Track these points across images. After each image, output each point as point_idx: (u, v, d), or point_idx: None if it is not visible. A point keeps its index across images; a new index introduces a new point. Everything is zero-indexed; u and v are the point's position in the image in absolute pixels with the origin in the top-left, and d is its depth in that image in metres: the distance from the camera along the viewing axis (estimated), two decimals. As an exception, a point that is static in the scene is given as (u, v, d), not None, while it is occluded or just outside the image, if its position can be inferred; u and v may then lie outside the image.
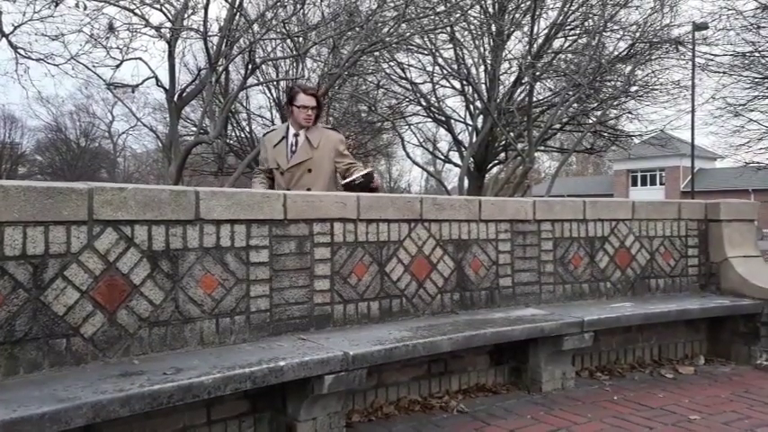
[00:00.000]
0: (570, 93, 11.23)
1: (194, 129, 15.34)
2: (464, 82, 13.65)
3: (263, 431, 2.71)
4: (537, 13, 11.57)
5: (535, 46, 11.73)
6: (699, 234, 4.50)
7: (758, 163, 23.59)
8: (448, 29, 10.98)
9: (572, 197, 4.45)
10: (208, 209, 2.65)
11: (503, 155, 16.67)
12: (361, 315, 3.18)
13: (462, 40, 12.69)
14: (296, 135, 3.87)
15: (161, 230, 2.52)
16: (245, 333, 2.77)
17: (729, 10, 13.63)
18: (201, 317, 2.64)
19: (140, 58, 7.98)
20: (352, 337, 2.90)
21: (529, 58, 10.39)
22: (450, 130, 16.39)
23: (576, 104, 12.22)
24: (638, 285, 4.25)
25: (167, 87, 7.66)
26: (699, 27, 20.12)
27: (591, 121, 14.57)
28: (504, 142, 15.36)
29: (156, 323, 2.51)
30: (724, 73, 14.51)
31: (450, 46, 12.82)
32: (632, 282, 4.23)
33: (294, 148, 3.86)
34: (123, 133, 36.75)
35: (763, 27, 13.60)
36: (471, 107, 14.49)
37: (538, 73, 11.48)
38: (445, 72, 13.23)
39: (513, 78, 13.80)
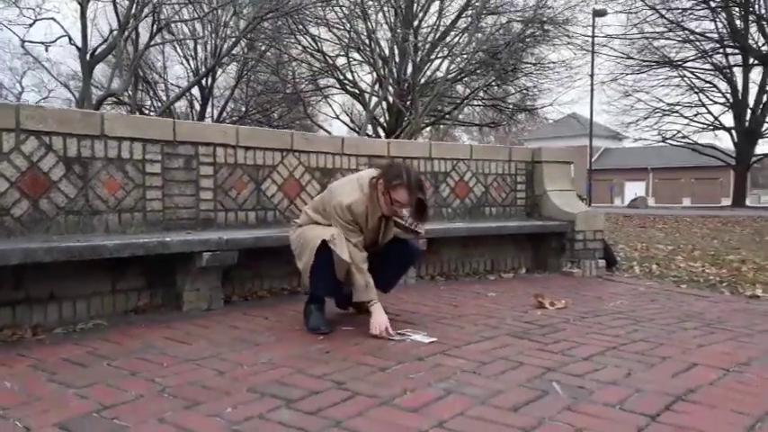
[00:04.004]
0: (459, 68, 12.33)
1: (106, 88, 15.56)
2: (372, 56, 14.61)
3: (157, 301, 3.55)
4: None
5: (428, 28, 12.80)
6: (527, 173, 5.61)
7: (644, 139, 26.02)
8: (360, 3, 11.87)
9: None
10: (111, 128, 3.43)
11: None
12: (240, 222, 4.04)
13: (375, 18, 13.66)
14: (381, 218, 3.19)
15: (74, 142, 3.29)
16: (143, 227, 3.58)
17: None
18: (107, 211, 3.43)
19: (53, 18, 8.38)
20: (231, 234, 3.75)
21: (412, 36, 11.40)
22: (363, 102, 17.33)
23: (470, 79, 13.37)
24: (474, 211, 5.31)
25: (80, 46, 8.13)
26: (598, 13, 21.85)
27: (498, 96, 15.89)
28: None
29: (71, 212, 3.28)
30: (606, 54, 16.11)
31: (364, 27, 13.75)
32: (469, 209, 5.29)
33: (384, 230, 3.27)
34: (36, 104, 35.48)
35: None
36: (381, 80, 15.52)
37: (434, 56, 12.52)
38: (353, 44, 14.12)
39: (419, 57, 14.90)
